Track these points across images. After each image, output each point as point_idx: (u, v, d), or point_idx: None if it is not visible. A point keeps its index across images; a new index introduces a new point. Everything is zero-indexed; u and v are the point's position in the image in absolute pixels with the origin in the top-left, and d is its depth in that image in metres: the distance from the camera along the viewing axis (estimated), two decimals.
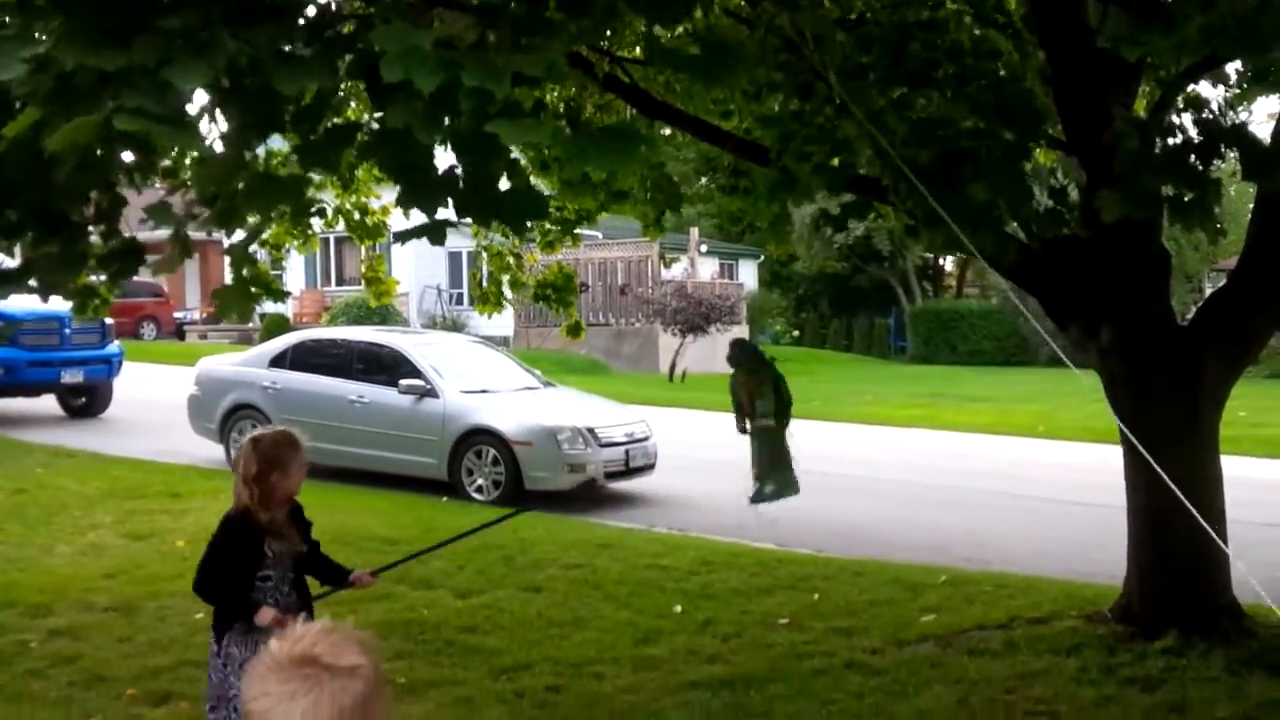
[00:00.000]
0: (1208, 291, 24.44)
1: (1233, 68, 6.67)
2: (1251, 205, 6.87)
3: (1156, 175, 5.14)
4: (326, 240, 29.26)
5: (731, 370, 7.06)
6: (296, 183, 4.18)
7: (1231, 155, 5.42)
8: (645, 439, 12.65)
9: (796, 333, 40.76)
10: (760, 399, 6.65)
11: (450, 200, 3.49)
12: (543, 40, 2.86)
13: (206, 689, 4.60)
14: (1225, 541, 6.88)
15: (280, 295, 7.03)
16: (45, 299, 5.42)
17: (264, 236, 9.90)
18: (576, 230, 10.26)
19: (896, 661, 6.60)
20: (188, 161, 6.13)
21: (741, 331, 31.71)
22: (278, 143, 7.80)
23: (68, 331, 16.16)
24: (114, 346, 17.22)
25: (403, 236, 3.63)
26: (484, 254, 11.05)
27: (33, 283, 5.05)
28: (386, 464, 12.55)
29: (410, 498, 11.78)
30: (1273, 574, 6.37)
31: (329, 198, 9.78)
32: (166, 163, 6.56)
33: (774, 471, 6.77)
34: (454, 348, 14.62)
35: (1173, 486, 3.98)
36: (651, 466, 12.64)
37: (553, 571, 8.75)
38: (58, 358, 16.18)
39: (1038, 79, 6.82)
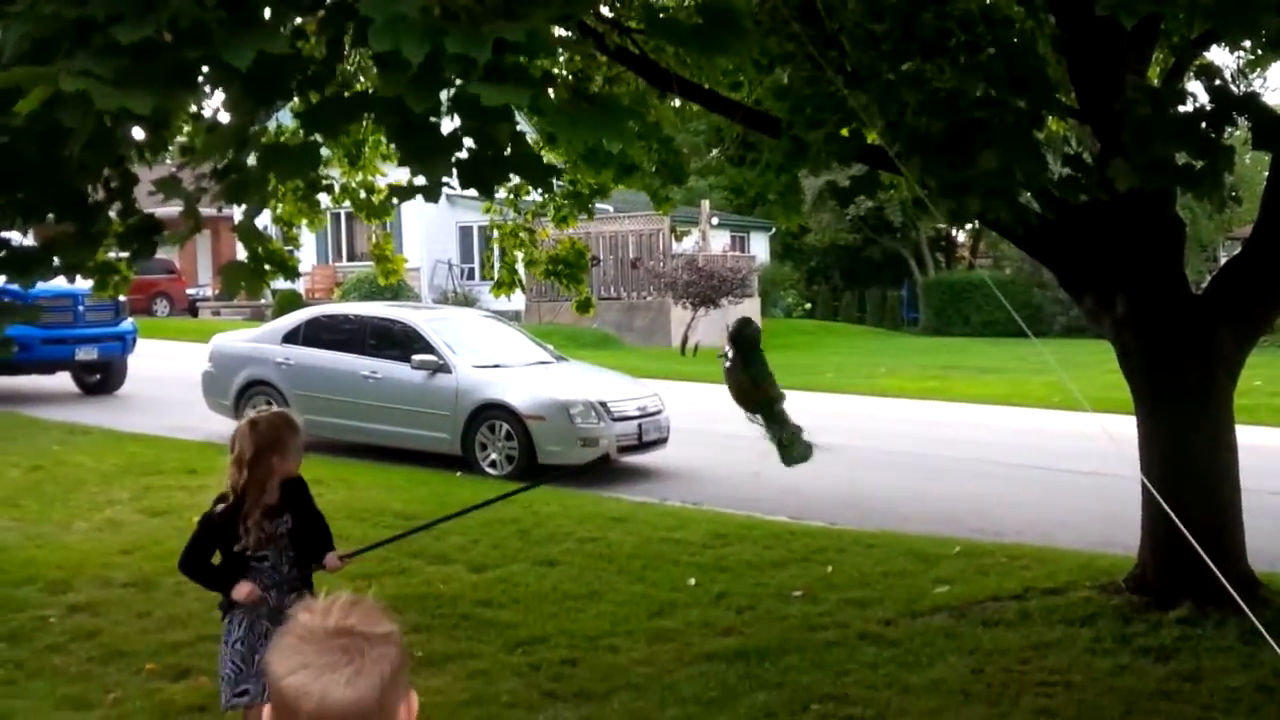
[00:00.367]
0: (1223, 260, 24.31)
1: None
2: (1267, 173, 6.81)
3: (1168, 142, 5.10)
4: (337, 216, 29.27)
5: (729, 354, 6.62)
6: (308, 150, 4.17)
7: (1243, 122, 5.37)
8: (658, 413, 12.66)
9: (809, 305, 40.68)
10: (769, 383, 6.40)
11: (455, 169, 3.49)
12: (532, 8, 2.87)
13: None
14: (1239, 510, 6.89)
15: (293, 273, 7.05)
16: (71, 280, 5.42)
17: (277, 213, 9.93)
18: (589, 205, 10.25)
19: (910, 633, 6.62)
20: (188, 128, 6.12)
21: (754, 304, 31.69)
22: (287, 119, 7.82)
23: (82, 309, 16.21)
24: (128, 323, 17.27)
25: (400, 193, 3.64)
26: (495, 233, 11.06)
27: (55, 263, 5.05)
28: (400, 439, 12.59)
29: (424, 473, 11.81)
30: None
31: (336, 174, 9.80)
32: (182, 139, 6.57)
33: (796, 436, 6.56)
34: (466, 323, 14.63)
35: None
36: (664, 440, 12.66)
37: (567, 545, 8.78)
38: (72, 335, 16.24)
39: (1050, 47, 6.77)
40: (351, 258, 33.36)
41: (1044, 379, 19.22)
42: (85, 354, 16.53)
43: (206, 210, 4.82)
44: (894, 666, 6.06)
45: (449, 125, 3.49)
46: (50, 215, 4.74)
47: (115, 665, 6.10)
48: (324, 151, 7.39)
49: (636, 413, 12.42)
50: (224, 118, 3.80)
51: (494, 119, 3.30)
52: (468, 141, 3.57)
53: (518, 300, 28.79)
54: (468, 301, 28.43)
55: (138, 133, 4.72)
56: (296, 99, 4.54)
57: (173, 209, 4.57)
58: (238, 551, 4.40)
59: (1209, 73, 5.68)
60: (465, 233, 32.21)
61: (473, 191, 3.83)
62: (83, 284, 7.27)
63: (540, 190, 8.06)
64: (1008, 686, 5.77)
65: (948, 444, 14.31)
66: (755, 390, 5.91)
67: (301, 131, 4.19)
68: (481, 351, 13.11)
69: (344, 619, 1.62)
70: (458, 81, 3.04)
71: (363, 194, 10.08)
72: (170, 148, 6.26)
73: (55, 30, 2.98)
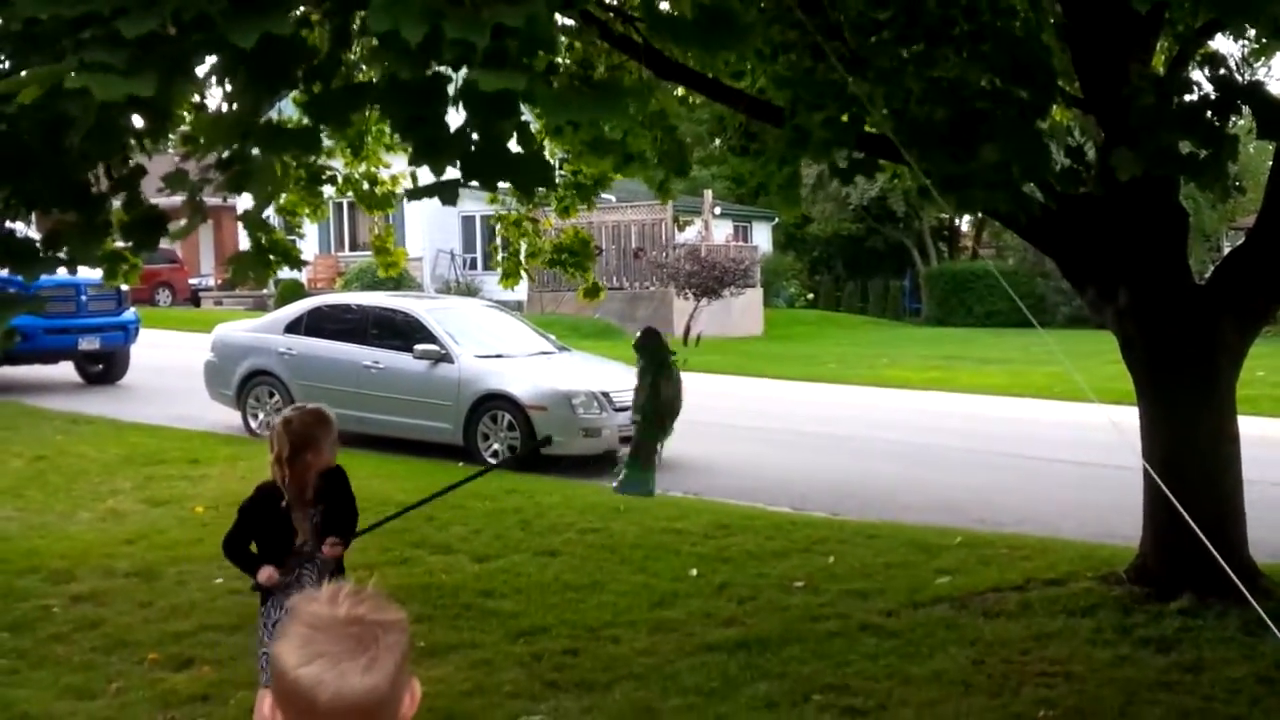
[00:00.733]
0: (1226, 251, 24.28)
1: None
2: (1270, 163, 6.80)
3: (1172, 131, 5.08)
4: (340, 206, 29.24)
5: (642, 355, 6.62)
6: (308, 133, 4.16)
7: (1247, 112, 5.36)
8: None
9: (811, 295, 40.67)
10: (638, 394, 6.42)
11: (459, 162, 3.48)
12: None
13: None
14: (1242, 501, 6.88)
15: (297, 262, 7.05)
16: (73, 271, 5.42)
17: (280, 202, 9.92)
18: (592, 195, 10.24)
19: (911, 623, 6.62)
20: (190, 117, 6.11)
21: (756, 295, 31.66)
22: (290, 110, 7.81)
23: (84, 298, 16.22)
24: (130, 313, 17.28)
25: (414, 194, 3.63)
26: (499, 224, 11.04)
27: (60, 255, 5.05)
28: (402, 429, 12.59)
29: (426, 463, 11.82)
30: None
31: (339, 165, 9.78)
32: (185, 128, 6.55)
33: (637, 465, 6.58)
34: (468, 313, 14.63)
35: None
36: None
37: (569, 536, 8.79)
38: (75, 325, 16.25)
39: (1055, 36, 6.75)
40: (354, 248, 33.36)
41: (1046, 369, 19.23)
42: (88, 344, 16.54)
43: (210, 200, 4.81)
44: (895, 657, 6.07)
45: (456, 121, 3.48)
46: (54, 205, 4.74)
47: (118, 655, 6.11)
48: (326, 141, 7.39)
49: None
50: (227, 107, 3.79)
51: (498, 113, 3.29)
52: (473, 135, 3.56)
53: (520, 290, 28.83)
54: (470, 291, 28.41)
55: (139, 122, 4.72)
56: (300, 90, 4.53)
57: (175, 199, 4.57)
58: (266, 538, 4.50)
59: (1213, 62, 5.67)
60: (468, 222, 32.19)
61: (475, 183, 3.82)
62: (86, 273, 7.27)
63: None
64: (1009, 677, 5.78)
65: (950, 434, 14.31)
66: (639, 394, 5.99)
67: (306, 119, 4.19)
68: (484, 341, 13.11)
69: (354, 608, 1.62)
70: (463, 72, 3.04)
71: (365, 185, 10.06)
72: (172, 137, 6.25)
73: (55, 25, 2.98)
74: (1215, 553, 3.99)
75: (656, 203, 19.34)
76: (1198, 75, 6.17)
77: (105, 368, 17.24)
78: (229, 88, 3.76)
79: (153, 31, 2.91)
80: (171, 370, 17.30)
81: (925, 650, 6.16)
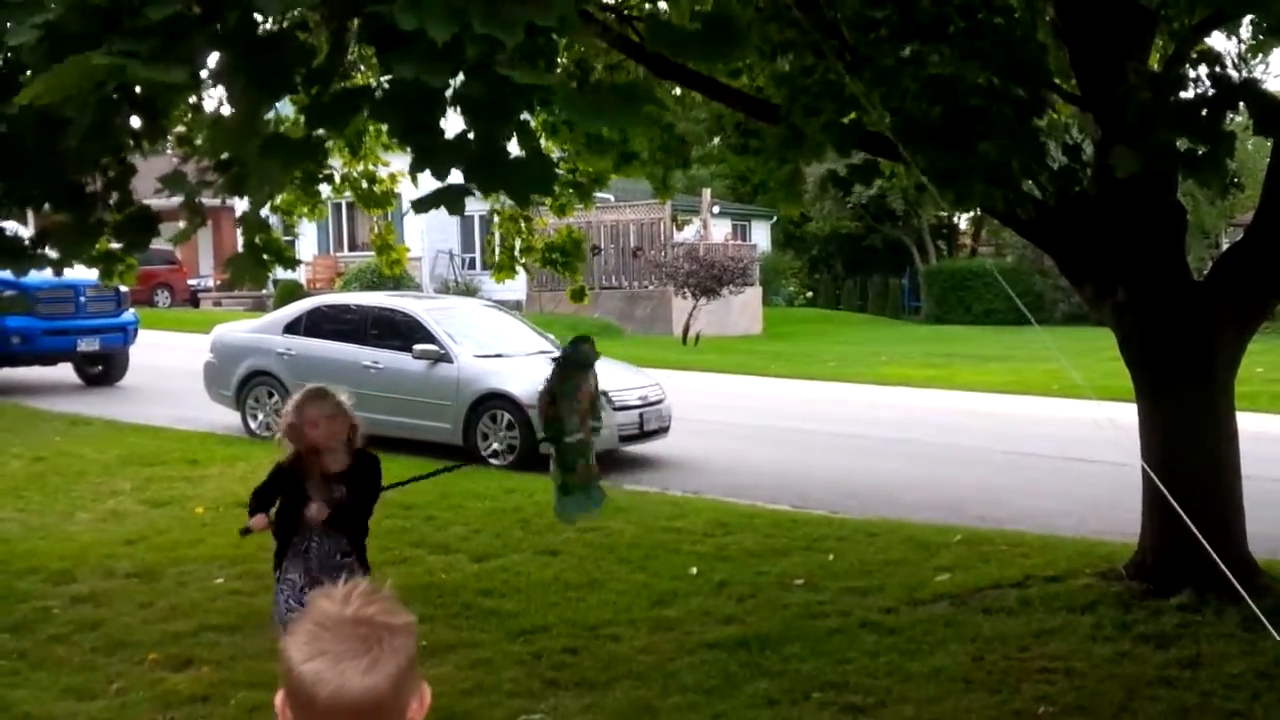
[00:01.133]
0: (1224, 247, 24.28)
1: (1248, 19, 6.60)
2: (1268, 160, 6.80)
3: (1169, 129, 5.09)
4: (339, 206, 29.27)
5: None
6: (311, 143, 4.16)
7: (1244, 108, 5.36)
8: (659, 402, 12.66)
9: (810, 294, 40.68)
10: (569, 414, 6.07)
11: (459, 166, 3.48)
12: None
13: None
14: (1240, 497, 6.89)
15: (291, 263, 7.05)
16: (59, 272, 5.43)
17: (276, 202, 9.92)
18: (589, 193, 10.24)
19: (911, 620, 6.63)
20: (188, 117, 6.11)
21: (755, 293, 31.67)
22: (286, 110, 7.81)
23: (83, 300, 16.22)
24: (129, 314, 17.28)
25: (420, 205, 3.60)
26: (496, 218, 11.04)
27: (50, 254, 5.06)
28: (401, 429, 12.55)
29: (425, 462, 11.80)
30: None
31: (337, 165, 9.78)
32: (180, 129, 6.56)
33: (580, 485, 6.32)
34: (468, 312, 14.62)
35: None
36: (666, 429, 12.66)
37: (568, 535, 8.78)
38: (73, 326, 16.25)
39: (1050, 34, 6.76)
40: (353, 248, 33.36)
41: (1045, 366, 19.23)
42: (87, 345, 16.54)
43: (209, 201, 4.82)
44: (895, 654, 6.07)
45: (452, 123, 3.47)
46: (47, 205, 4.75)
47: (118, 656, 6.11)
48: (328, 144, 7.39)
49: (638, 402, 12.42)
50: (227, 110, 3.80)
51: (496, 118, 3.28)
52: (471, 135, 3.55)
53: (519, 290, 28.86)
54: (469, 291, 28.42)
55: (135, 122, 4.72)
56: (300, 94, 4.53)
57: (173, 201, 4.57)
58: (277, 499, 4.92)
59: (1210, 59, 5.67)
60: (466, 222, 32.17)
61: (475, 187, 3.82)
62: (85, 275, 7.29)
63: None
64: (1008, 674, 5.78)
65: (949, 432, 14.32)
66: (550, 408, 5.90)
67: (304, 124, 4.19)
68: (483, 341, 13.11)
69: (364, 608, 1.62)
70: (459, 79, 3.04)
71: (364, 184, 10.06)
72: (169, 138, 6.26)
73: (83, 23, 2.98)
74: (1212, 552, 3.99)
75: (655, 202, 19.35)
76: (1194, 73, 6.16)
77: (104, 369, 17.24)
78: (228, 90, 3.76)
79: (178, 14, 2.91)
80: (171, 371, 17.30)
81: (925, 647, 6.17)
